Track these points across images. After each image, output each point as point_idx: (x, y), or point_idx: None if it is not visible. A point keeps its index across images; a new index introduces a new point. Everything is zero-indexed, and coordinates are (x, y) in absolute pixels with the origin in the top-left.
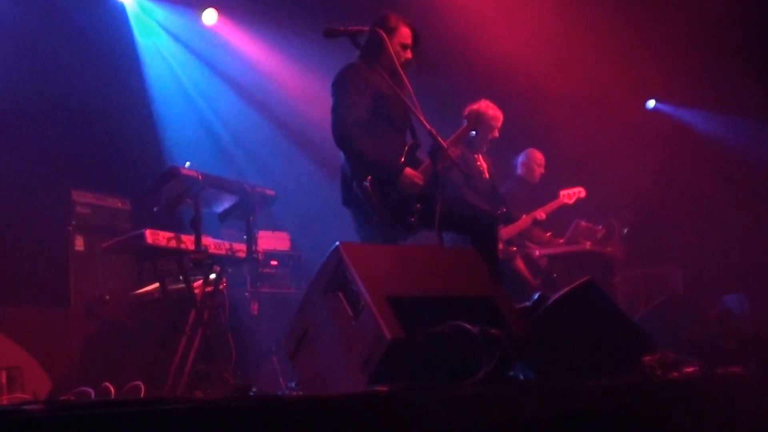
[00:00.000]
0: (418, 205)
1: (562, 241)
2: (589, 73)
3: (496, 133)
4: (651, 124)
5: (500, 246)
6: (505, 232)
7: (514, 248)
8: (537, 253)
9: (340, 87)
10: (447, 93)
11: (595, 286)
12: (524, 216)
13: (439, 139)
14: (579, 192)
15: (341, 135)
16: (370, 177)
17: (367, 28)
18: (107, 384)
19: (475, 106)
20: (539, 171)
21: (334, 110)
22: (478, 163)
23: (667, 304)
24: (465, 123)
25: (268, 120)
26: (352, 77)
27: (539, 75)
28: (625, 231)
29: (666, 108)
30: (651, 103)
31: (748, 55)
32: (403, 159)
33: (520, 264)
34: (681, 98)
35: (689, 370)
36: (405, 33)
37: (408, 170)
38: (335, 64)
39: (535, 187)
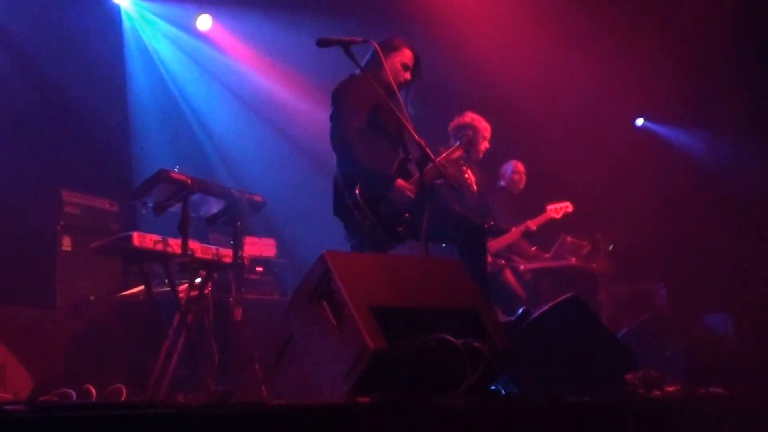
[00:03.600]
0: (407, 215)
1: (547, 255)
2: (578, 90)
3: (488, 144)
4: (639, 142)
5: (489, 259)
6: (494, 244)
7: (503, 261)
8: (522, 267)
9: (341, 95)
10: (433, 108)
11: (580, 302)
12: (513, 228)
13: (428, 151)
14: (566, 207)
15: (340, 141)
16: (360, 185)
17: (360, 39)
18: (89, 386)
19: (463, 120)
20: (521, 179)
21: (334, 117)
22: (466, 175)
23: (650, 322)
24: (458, 143)
25: (258, 126)
26: (353, 87)
27: (528, 92)
28: (611, 247)
29: (654, 126)
30: (639, 121)
31: (732, 74)
32: (394, 170)
33: (509, 276)
34: (668, 117)
35: (671, 389)
36: (407, 54)
37: (400, 181)
38: (327, 72)
39: (519, 198)
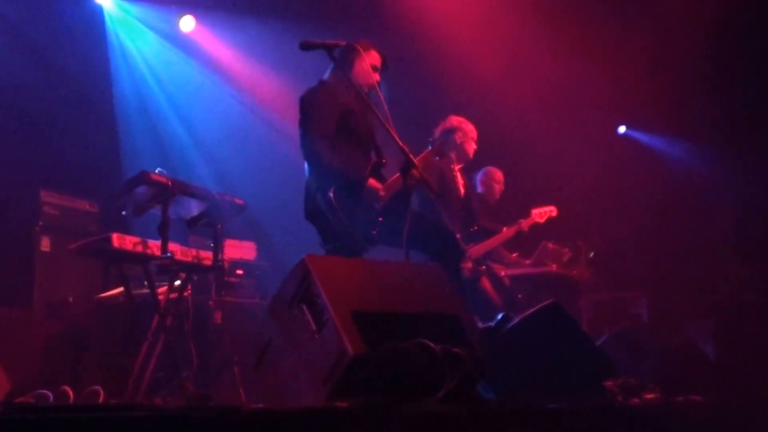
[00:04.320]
0: (381, 219)
1: (528, 262)
2: (560, 98)
3: (475, 145)
4: (622, 150)
5: (469, 265)
6: (475, 251)
7: (483, 267)
8: (502, 273)
9: (309, 102)
10: (419, 111)
11: (560, 309)
12: (504, 229)
13: (411, 156)
14: (551, 211)
15: (309, 147)
16: (333, 189)
17: (344, 43)
18: (66, 388)
19: (450, 124)
20: (499, 188)
21: (303, 124)
22: (457, 179)
23: (630, 329)
24: (429, 147)
25: (240, 129)
26: (321, 93)
27: (510, 98)
28: (592, 255)
29: (636, 134)
30: (622, 129)
31: (712, 84)
32: (367, 174)
33: (486, 283)
34: (650, 125)
35: (650, 396)
36: (375, 56)
37: (372, 182)
38: (310, 75)
39: (495, 206)
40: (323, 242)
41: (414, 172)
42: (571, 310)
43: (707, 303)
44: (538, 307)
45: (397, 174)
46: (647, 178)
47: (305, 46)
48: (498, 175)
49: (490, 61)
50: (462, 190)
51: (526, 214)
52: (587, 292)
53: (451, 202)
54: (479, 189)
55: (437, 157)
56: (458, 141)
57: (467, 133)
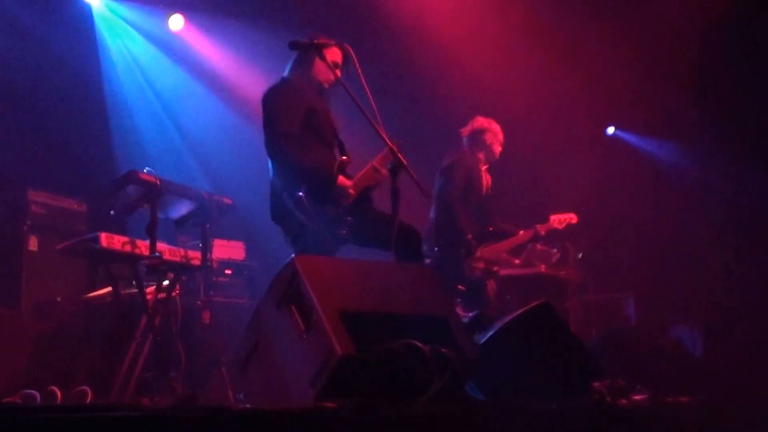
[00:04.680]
0: (349, 217)
1: (517, 262)
2: (548, 98)
3: (501, 147)
4: (610, 151)
5: (482, 265)
6: (488, 251)
7: (496, 268)
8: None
9: (272, 100)
10: (407, 112)
11: (550, 309)
12: (521, 232)
13: (400, 155)
14: (570, 218)
15: (275, 146)
16: (304, 188)
17: (332, 42)
18: (53, 388)
19: (479, 125)
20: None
21: (267, 123)
22: (482, 178)
23: (618, 330)
24: (386, 150)
25: (229, 129)
26: (285, 91)
27: (497, 98)
28: (580, 256)
29: (625, 135)
30: (611, 130)
31: (699, 86)
32: (335, 171)
33: (491, 286)
34: (639, 126)
35: (638, 397)
36: (336, 52)
37: (342, 179)
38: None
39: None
40: (292, 243)
41: (403, 169)
42: (559, 310)
43: (695, 304)
44: (527, 307)
45: (364, 171)
46: (636, 179)
47: (294, 46)
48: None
49: (476, 63)
50: (484, 190)
51: (513, 215)
52: (575, 293)
53: (471, 201)
54: None
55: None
56: (488, 141)
57: (496, 134)
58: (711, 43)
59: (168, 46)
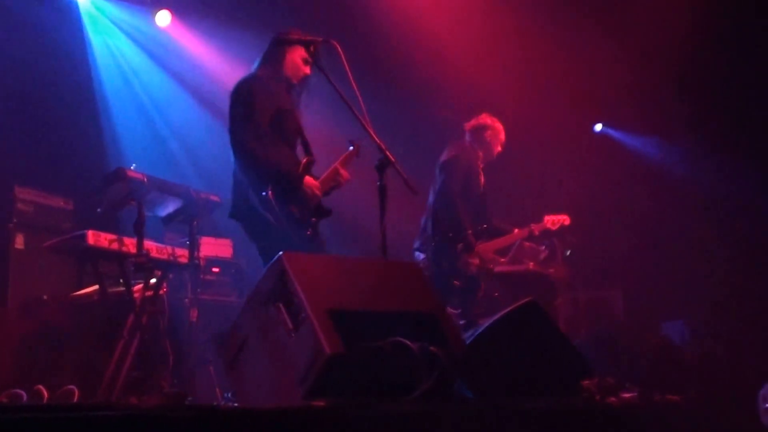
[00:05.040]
0: (314, 218)
1: (504, 260)
2: (535, 95)
3: (500, 148)
4: (597, 148)
5: (477, 261)
6: (484, 248)
7: (491, 266)
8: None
9: (243, 95)
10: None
11: (538, 308)
12: (516, 230)
13: (388, 153)
14: (564, 219)
15: (242, 143)
16: (271, 186)
17: (320, 38)
18: (40, 387)
19: (483, 121)
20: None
21: (236, 117)
22: (480, 176)
23: (607, 328)
24: (350, 148)
25: (216, 125)
26: (256, 86)
27: (485, 96)
28: (568, 253)
29: (613, 132)
30: (598, 127)
31: (687, 82)
32: (302, 171)
33: (483, 285)
34: (626, 123)
35: (627, 395)
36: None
37: (308, 180)
38: None
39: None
40: (254, 240)
41: (392, 167)
42: (547, 309)
43: (684, 301)
44: (515, 305)
45: (328, 172)
46: (623, 176)
47: (282, 42)
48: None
49: (461, 59)
50: (481, 188)
51: (503, 213)
52: (564, 291)
53: (469, 197)
54: None
55: (357, 157)
56: (489, 139)
57: (497, 133)
58: (700, 40)
59: (155, 42)
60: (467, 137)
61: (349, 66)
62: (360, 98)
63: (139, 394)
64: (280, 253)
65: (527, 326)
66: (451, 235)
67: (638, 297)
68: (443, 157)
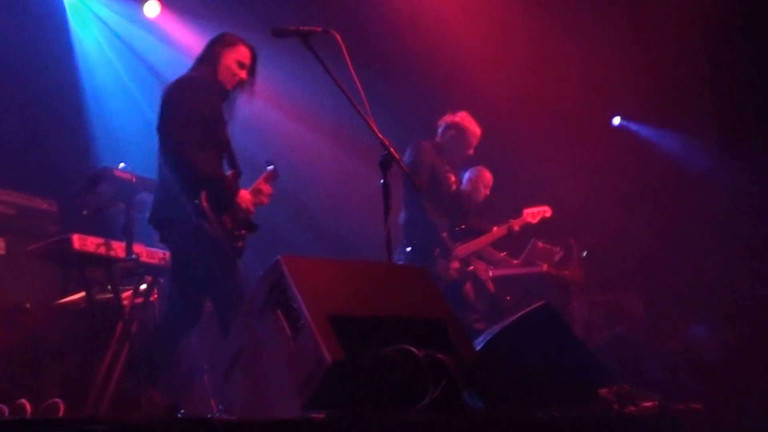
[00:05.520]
0: (243, 231)
1: (517, 262)
2: (554, 88)
3: (471, 151)
4: (616, 143)
5: (456, 264)
6: (462, 250)
7: (471, 268)
8: (490, 273)
9: (176, 97)
10: (408, 102)
11: (552, 311)
12: (495, 228)
13: (392, 150)
14: (544, 211)
15: (176, 147)
16: (205, 194)
17: (319, 29)
18: (23, 401)
19: (452, 119)
20: (485, 192)
21: (170, 121)
22: (448, 176)
23: (626, 333)
24: (270, 168)
25: None
26: (193, 89)
27: (500, 91)
28: (584, 254)
29: (632, 126)
30: (616, 120)
31: (709, 74)
32: (234, 182)
33: (469, 287)
34: (646, 116)
35: (647, 404)
36: (243, 51)
37: (243, 192)
38: (281, 63)
39: (480, 204)
40: (182, 249)
41: (395, 166)
42: (562, 312)
43: (707, 304)
44: (528, 309)
45: (256, 184)
46: (642, 172)
47: (277, 33)
48: (487, 178)
49: (479, 52)
50: (453, 186)
51: (517, 212)
52: (580, 294)
53: (439, 198)
54: (464, 186)
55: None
56: (454, 140)
57: (466, 136)
58: (729, 30)
59: (143, 34)
60: (438, 134)
61: (351, 59)
62: (362, 92)
63: (129, 406)
64: (278, 256)
65: (541, 331)
66: (425, 239)
67: (659, 299)
68: (405, 159)
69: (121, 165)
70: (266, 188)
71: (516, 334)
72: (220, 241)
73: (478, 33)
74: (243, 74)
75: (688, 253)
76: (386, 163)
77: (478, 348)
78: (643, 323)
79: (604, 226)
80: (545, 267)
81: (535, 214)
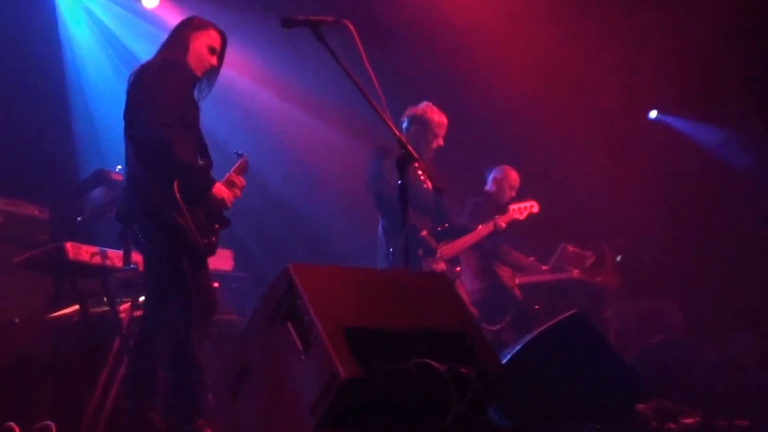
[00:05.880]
0: (217, 226)
1: (545, 267)
2: (587, 84)
3: (441, 141)
4: (653, 139)
5: (443, 265)
6: (446, 250)
7: (458, 269)
8: (517, 280)
9: (147, 81)
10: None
11: (585, 320)
12: (480, 227)
13: (409, 147)
14: (531, 206)
15: (153, 135)
16: (177, 183)
17: (331, 18)
18: (11, 424)
19: (414, 112)
20: (510, 194)
21: (140, 105)
22: (419, 174)
23: (664, 344)
24: (241, 158)
25: (212, 122)
26: (168, 73)
27: (531, 87)
28: (618, 258)
29: (669, 119)
30: (653, 114)
31: (747, 71)
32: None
33: (461, 289)
34: (684, 109)
35: (689, 421)
36: (214, 36)
37: (219, 185)
38: (288, 54)
39: (501, 207)
40: (153, 245)
41: (413, 164)
42: (595, 321)
43: (751, 313)
44: (558, 318)
45: (229, 176)
46: (682, 170)
47: (287, 23)
48: (513, 178)
49: (516, 51)
50: (429, 184)
51: (550, 216)
52: (614, 301)
53: (417, 198)
54: (489, 186)
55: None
56: (420, 134)
57: (435, 126)
58: (760, 28)
59: (140, 27)
60: (402, 130)
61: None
62: (377, 86)
63: (126, 428)
64: (288, 264)
65: (573, 342)
66: (405, 240)
67: (698, 307)
68: (370, 169)
69: (118, 168)
70: (239, 180)
71: (546, 346)
72: (193, 235)
73: (509, 25)
74: (213, 60)
75: (730, 257)
76: (403, 162)
77: (505, 360)
78: (683, 332)
79: (640, 227)
80: (576, 272)
81: (522, 209)
